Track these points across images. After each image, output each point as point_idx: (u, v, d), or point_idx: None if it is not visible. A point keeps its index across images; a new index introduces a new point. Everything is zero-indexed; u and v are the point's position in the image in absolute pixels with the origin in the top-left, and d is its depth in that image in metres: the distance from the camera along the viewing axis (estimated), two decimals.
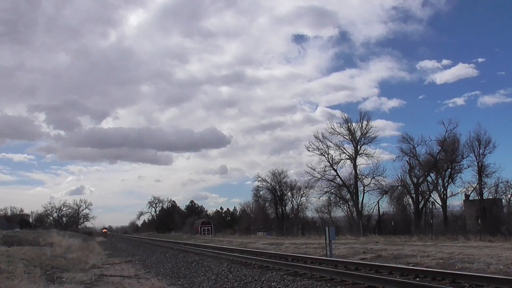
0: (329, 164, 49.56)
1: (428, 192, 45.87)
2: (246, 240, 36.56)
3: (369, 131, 49.13)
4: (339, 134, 49.85)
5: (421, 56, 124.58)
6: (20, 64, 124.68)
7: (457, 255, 13.94)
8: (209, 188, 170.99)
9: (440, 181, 44.97)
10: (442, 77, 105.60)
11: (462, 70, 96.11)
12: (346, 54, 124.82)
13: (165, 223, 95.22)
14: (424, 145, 46.33)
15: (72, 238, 33.28)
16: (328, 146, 49.85)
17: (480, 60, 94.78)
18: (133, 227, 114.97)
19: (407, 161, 47.02)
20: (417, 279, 9.41)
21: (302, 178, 57.64)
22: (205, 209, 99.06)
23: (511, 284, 7.79)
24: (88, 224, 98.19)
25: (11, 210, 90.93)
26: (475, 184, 41.60)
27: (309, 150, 50.63)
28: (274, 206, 64.79)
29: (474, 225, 32.97)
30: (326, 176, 49.95)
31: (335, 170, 49.69)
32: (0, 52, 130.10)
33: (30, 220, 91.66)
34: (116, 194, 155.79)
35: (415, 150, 46.61)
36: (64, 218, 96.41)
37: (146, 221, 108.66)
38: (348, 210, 50.74)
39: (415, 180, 46.43)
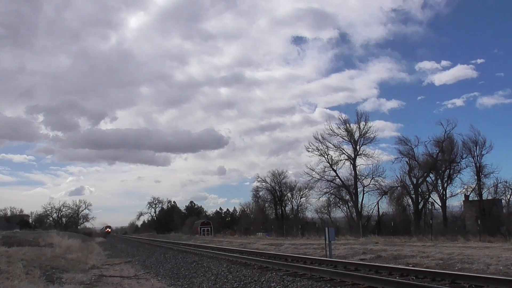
0: (328, 164, 49.75)
1: (427, 193, 45.96)
2: (246, 240, 36.52)
3: (368, 132, 49.35)
4: (338, 135, 50.03)
5: (420, 57, 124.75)
6: (21, 67, 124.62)
7: (457, 255, 13.94)
8: (208, 188, 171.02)
9: (439, 182, 45.08)
10: (441, 78, 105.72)
11: (461, 71, 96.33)
12: (346, 55, 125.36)
13: (165, 224, 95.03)
14: (423, 146, 46.56)
15: (72, 239, 33.21)
16: (327, 147, 50.02)
17: (479, 61, 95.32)
18: (133, 228, 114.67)
19: (406, 162, 47.21)
20: (417, 279, 9.41)
21: (301, 179, 57.82)
22: (205, 210, 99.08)
23: (510, 285, 7.80)
24: (88, 224, 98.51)
25: (11, 210, 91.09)
26: (474, 185, 41.74)
27: (308, 151, 50.88)
28: (273, 207, 64.80)
29: (474, 225, 32.99)
30: (325, 176, 50.16)
31: (335, 171, 49.86)
32: (2, 55, 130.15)
33: (30, 220, 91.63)
34: (115, 195, 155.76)
35: (413, 151, 46.79)
36: (63, 219, 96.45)
37: (146, 221, 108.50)
38: (348, 210, 50.84)
39: (414, 180, 46.54)
